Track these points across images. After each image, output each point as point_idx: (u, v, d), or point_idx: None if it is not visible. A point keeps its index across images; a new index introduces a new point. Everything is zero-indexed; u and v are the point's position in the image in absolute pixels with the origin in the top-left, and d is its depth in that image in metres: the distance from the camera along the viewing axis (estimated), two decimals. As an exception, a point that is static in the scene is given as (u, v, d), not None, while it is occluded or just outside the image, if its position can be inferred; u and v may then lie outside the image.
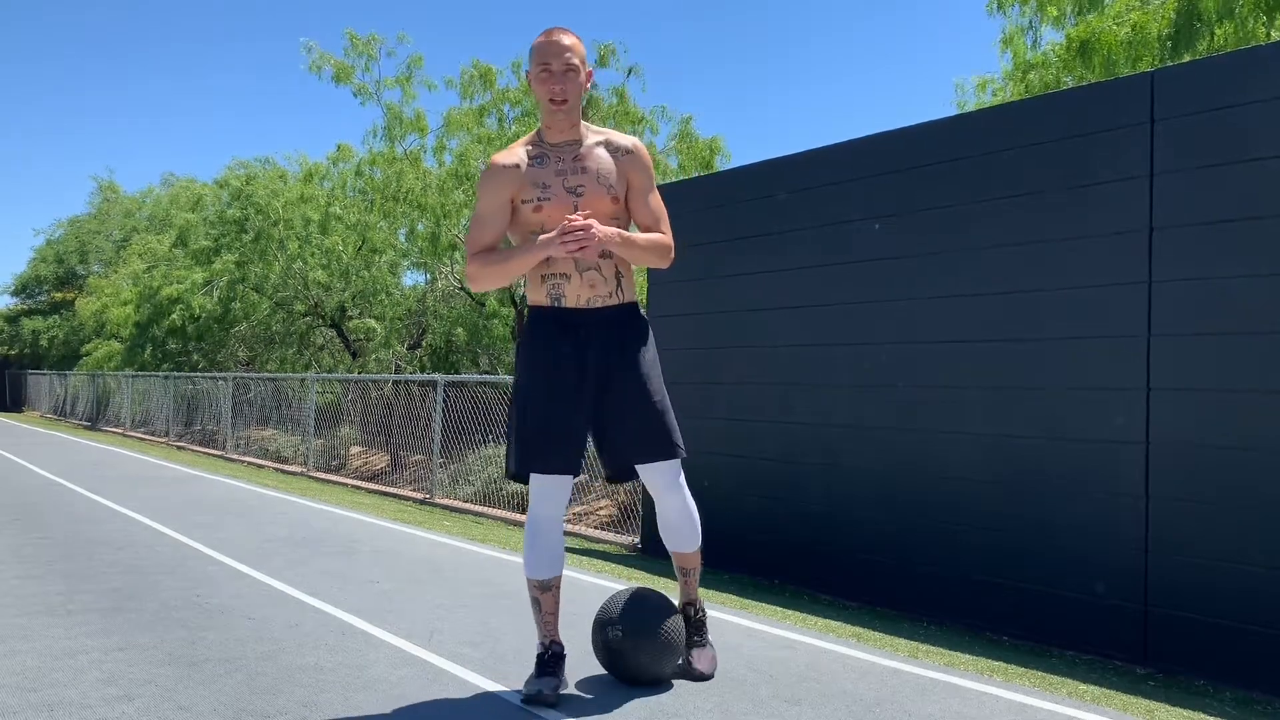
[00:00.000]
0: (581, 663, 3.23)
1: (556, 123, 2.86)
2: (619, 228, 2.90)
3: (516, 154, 2.89)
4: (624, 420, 2.89)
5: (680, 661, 3.11)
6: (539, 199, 2.83)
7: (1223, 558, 3.76)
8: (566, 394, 2.84)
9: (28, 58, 72.88)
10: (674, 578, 3.41)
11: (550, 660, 2.86)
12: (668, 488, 3.00)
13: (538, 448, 2.82)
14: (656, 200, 3.00)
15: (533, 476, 2.85)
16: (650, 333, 3.01)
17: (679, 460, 2.98)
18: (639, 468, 2.98)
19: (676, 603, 3.17)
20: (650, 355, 2.97)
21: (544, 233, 2.82)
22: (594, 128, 2.96)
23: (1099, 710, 3.09)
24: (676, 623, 3.03)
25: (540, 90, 2.82)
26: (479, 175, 12.46)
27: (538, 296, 2.91)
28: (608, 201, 2.86)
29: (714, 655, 3.20)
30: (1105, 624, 4.09)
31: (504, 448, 9.47)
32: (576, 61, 2.81)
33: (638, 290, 3.06)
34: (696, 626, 3.18)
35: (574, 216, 2.74)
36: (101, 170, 60.03)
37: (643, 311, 3.03)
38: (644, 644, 2.96)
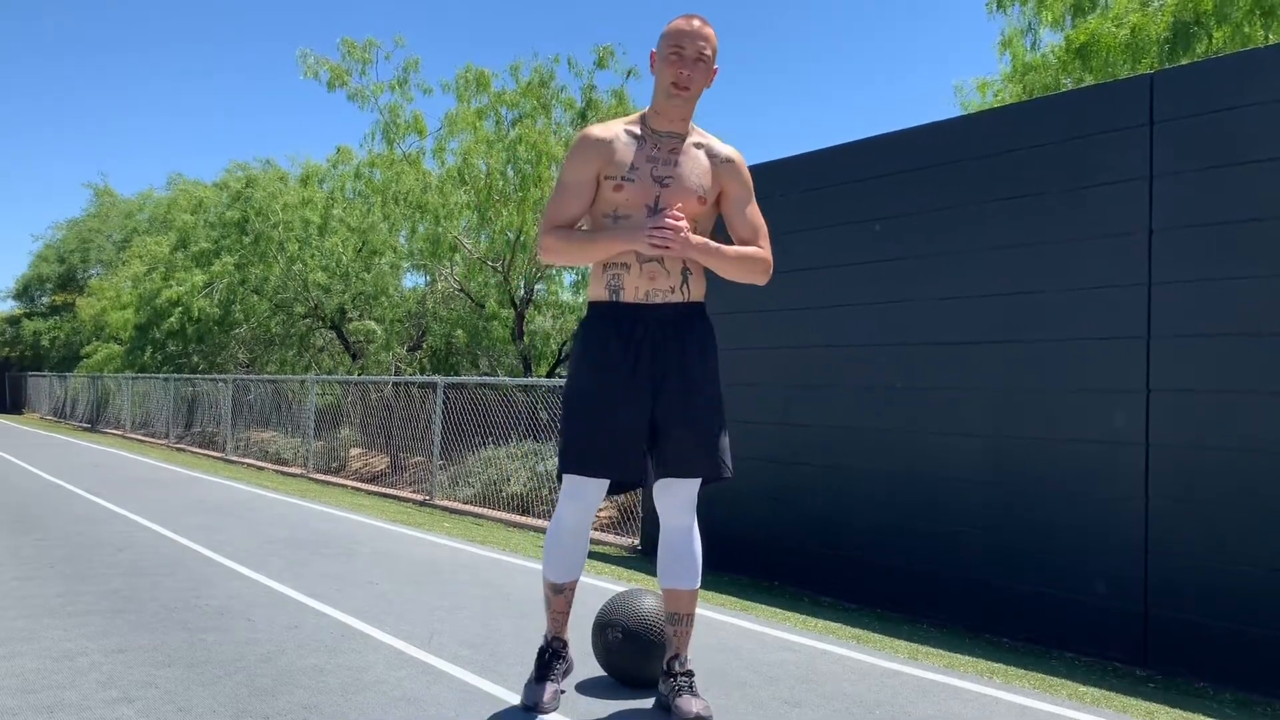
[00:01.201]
0: (582, 664, 3.23)
1: (670, 110, 2.69)
2: (702, 232, 2.75)
3: (613, 129, 2.73)
4: (669, 427, 2.68)
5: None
6: (622, 178, 2.67)
7: (1223, 560, 3.76)
8: (611, 396, 2.67)
9: (26, 59, 72.91)
10: None
11: (550, 657, 2.80)
12: (682, 508, 2.75)
13: (577, 449, 2.68)
14: (756, 213, 2.82)
15: (571, 480, 2.71)
16: (714, 338, 2.81)
17: (699, 482, 2.74)
18: (661, 481, 2.73)
19: (663, 664, 2.84)
20: (707, 363, 2.76)
21: (619, 215, 2.67)
22: (700, 130, 2.80)
23: (1099, 712, 3.09)
24: None
25: (667, 72, 2.65)
26: (478, 175, 12.48)
27: (597, 289, 2.75)
28: (694, 201, 2.69)
29: (707, 703, 2.69)
30: (1105, 626, 4.09)
31: (503, 450, 9.52)
32: (709, 53, 2.67)
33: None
34: (685, 679, 2.74)
35: (674, 213, 2.59)
36: (94, 176, 60.01)
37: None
38: (643, 645, 2.95)
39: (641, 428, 2.67)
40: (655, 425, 2.70)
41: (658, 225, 2.56)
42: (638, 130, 2.73)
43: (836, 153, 5.40)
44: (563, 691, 2.85)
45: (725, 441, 2.77)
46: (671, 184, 2.67)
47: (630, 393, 2.67)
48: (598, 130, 2.72)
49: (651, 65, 2.72)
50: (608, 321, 2.71)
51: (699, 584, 2.80)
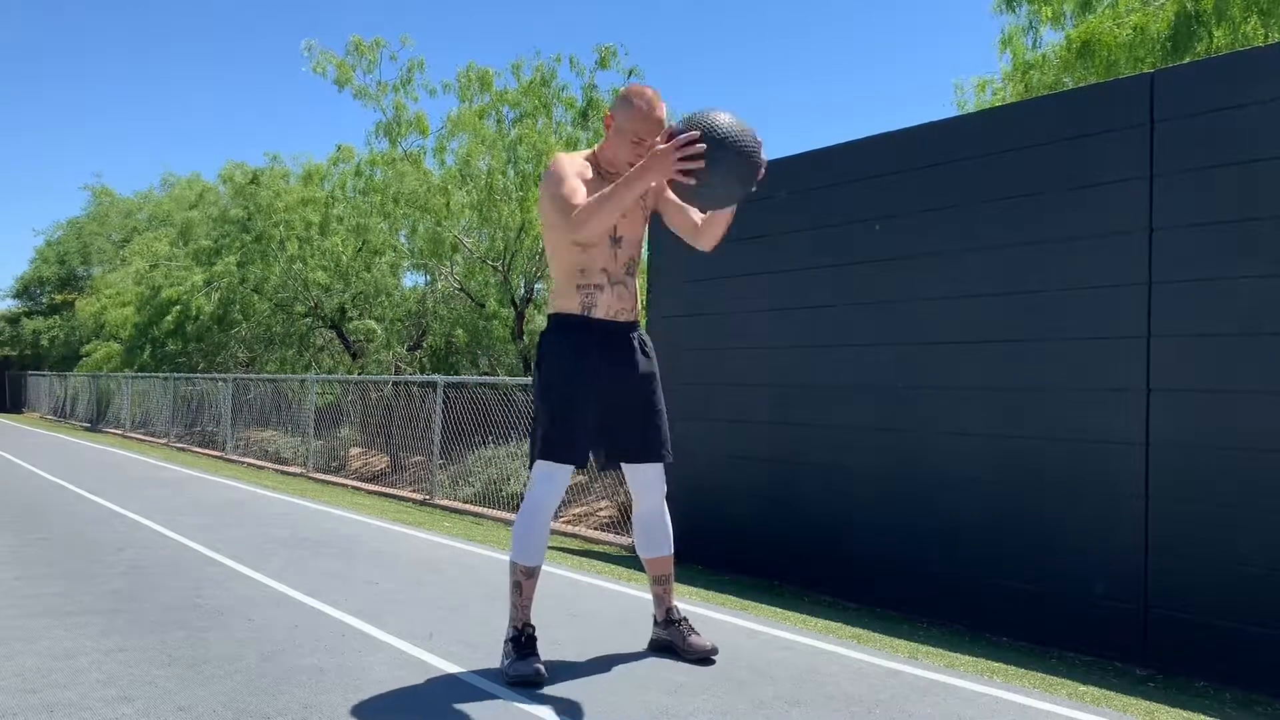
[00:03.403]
0: (581, 663, 3.23)
1: (622, 170, 3.09)
2: (640, 242, 3.23)
3: (580, 164, 3.10)
4: (631, 423, 3.20)
5: (682, 652, 3.33)
6: None
7: (1223, 559, 3.76)
8: (590, 397, 3.09)
9: (24, 58, 72.88)
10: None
11: (528, 641, 3.08)
12: (654, 487, 3.30)
13: (559, 440, 3.06)
14: None
15: (550, 466, 3.07)
16: (651, 344, 3.33)
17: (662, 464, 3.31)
18: (633, 465, 3.26)
19: (659, 616, 3.42)
20: (657, 366, 3.28)
21: (583, 245, 3.07)
22: None
23: (1099, 711, 3.09)
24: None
25: (626, 152, 3.05)
26: (479, 175, 12.46)
27: (569, 303, 3.14)
28: (640, 222, 3.22)
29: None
30: (1105, 625, 4.08)
31: (503, 449, 9.51)
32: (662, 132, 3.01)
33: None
34: (686, 622, 3.40)
35: (677, 142, 2.70)
36: (89, 177, 60.14)
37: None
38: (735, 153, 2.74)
39: (597, 425, 3.14)
40: (617, 419, 3.16)
41: (680, 152, 2.69)
42: (596, 169, 3.12)
43: (834, 151, 5.40)
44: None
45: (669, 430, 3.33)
46: (627, 214, 3.13)
47: (595, 395, 3.10)
48: (574, 164, 3.07)
49: (608, 125, 3.09)
50: (581, 333, 3.12)
51: (672, 549, 3.41)
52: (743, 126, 2.77)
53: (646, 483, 3.29)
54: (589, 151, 3.20)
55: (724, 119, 2.76)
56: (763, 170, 2.82)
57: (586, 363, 3.09)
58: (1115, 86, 4.25)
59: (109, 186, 35.45)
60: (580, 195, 2.98)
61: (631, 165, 3.03)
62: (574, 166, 3.07)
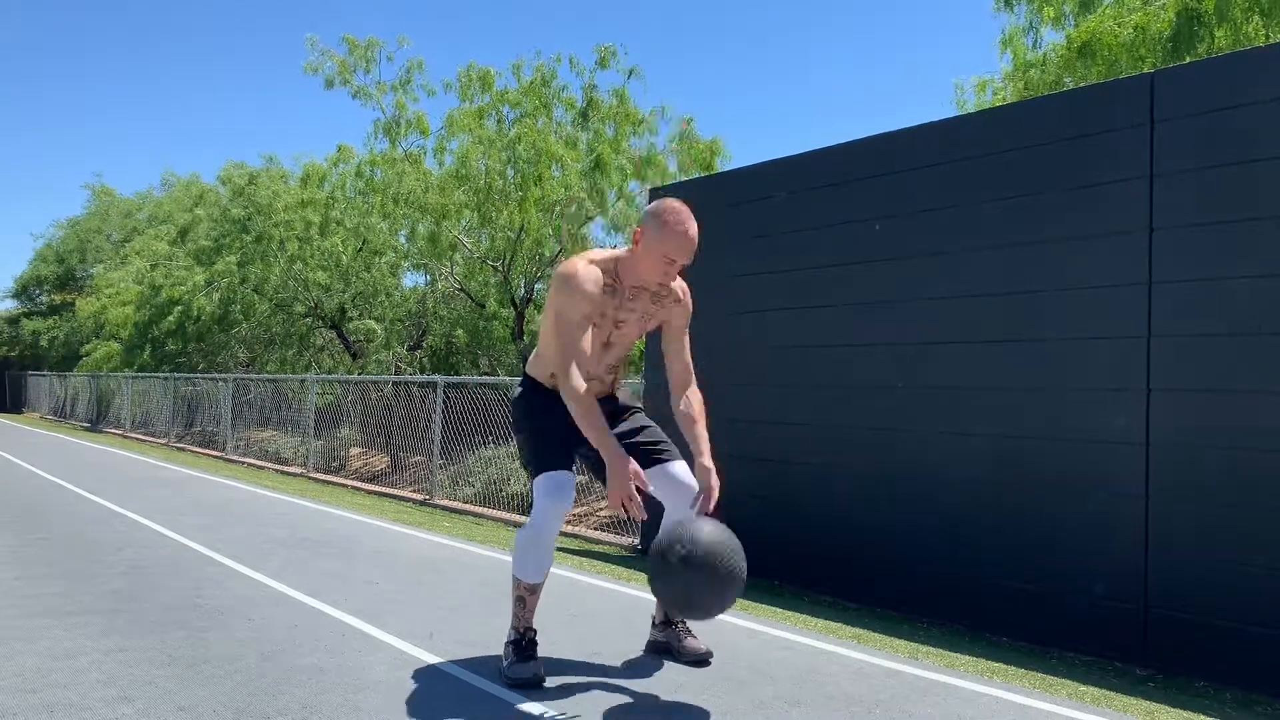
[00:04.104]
0: (581, 663, 3.23)
1: (649, 285, 3.09)
2: (632, 339, 3.20)
3: (596, 281, 3.01)
4: (633, 433, 3.23)
5: (676, 652, 3.35)
6: (594, 324, 3.06)
7: (1223, 558, 3.76)
8: (564, 416, 3.06)
9: (23, 58, 72.91)
10: None
11: (529, 645, 3.07)
12: (690, 484, 3.19)
13: (552, 450, 3.06)
14: (687, 341, 3.27)
15: (549, 479, 3.01)
16: None
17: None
18: (670, 466, 3.19)
19: (657, 618, 3.43)
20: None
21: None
22: None
23: (1099, 711, 3.09)
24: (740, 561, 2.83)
25: (655, 269, 3.01)
26: (477, 175, 12.43)
27: (544, 376, 3.20)
28: (636, 334, 3.18)
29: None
30: (1105, 625, 4.08)
31: (503, 449, 9.51)
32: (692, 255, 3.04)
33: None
34: (683, 624, 3.40)
35: (636, 507, 2.83)
36: (89, 177, 60.32)
37: None
38: (708, 570, 2.73)
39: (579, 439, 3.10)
40: (623, 435, 3.19)
41: (627, 501, 2.84)
42: (611, 282, 3.06)
43: (833, 151, 5.40)
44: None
45: None
46: (624, 325, 3.12)
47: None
48: (589, 285, 2.99)
49: (636, 238, 3.03)
50: (553, 394, 3.16)
51: None
52: (721, 548, 2.71)
53: (680, 482, 3.16)
54: (612, 254, 3.10)
55: (705, 535, 2.74)
56: (734, 588, 2.74)
57: (559, 404, 3.07)
58: (1115, 86, 4.25)
59: (109, 186, 35.53)
60: (585, 343, 2.98)
61: (661, 284, 3.05)
62: (589, 278, 2.99)
